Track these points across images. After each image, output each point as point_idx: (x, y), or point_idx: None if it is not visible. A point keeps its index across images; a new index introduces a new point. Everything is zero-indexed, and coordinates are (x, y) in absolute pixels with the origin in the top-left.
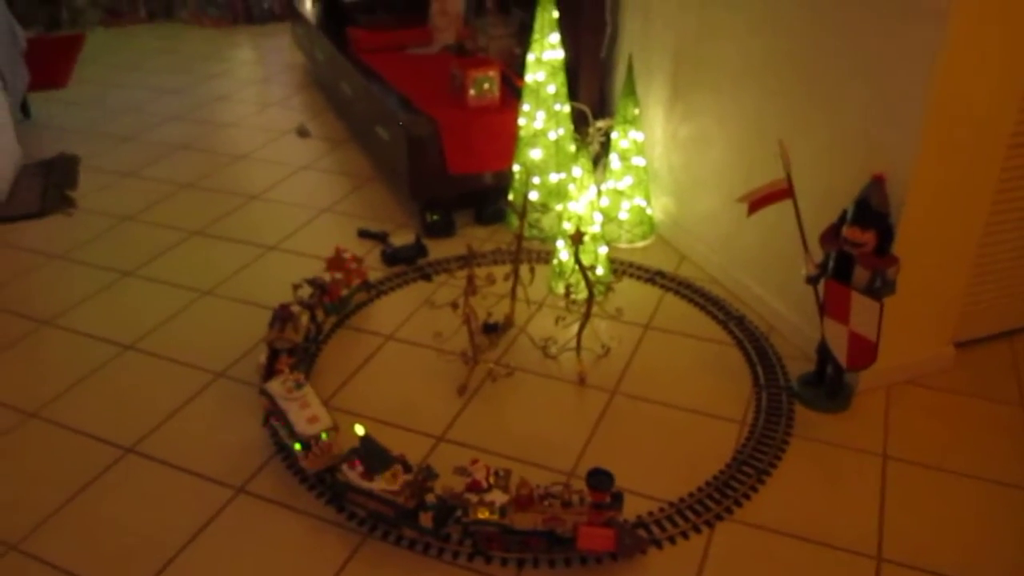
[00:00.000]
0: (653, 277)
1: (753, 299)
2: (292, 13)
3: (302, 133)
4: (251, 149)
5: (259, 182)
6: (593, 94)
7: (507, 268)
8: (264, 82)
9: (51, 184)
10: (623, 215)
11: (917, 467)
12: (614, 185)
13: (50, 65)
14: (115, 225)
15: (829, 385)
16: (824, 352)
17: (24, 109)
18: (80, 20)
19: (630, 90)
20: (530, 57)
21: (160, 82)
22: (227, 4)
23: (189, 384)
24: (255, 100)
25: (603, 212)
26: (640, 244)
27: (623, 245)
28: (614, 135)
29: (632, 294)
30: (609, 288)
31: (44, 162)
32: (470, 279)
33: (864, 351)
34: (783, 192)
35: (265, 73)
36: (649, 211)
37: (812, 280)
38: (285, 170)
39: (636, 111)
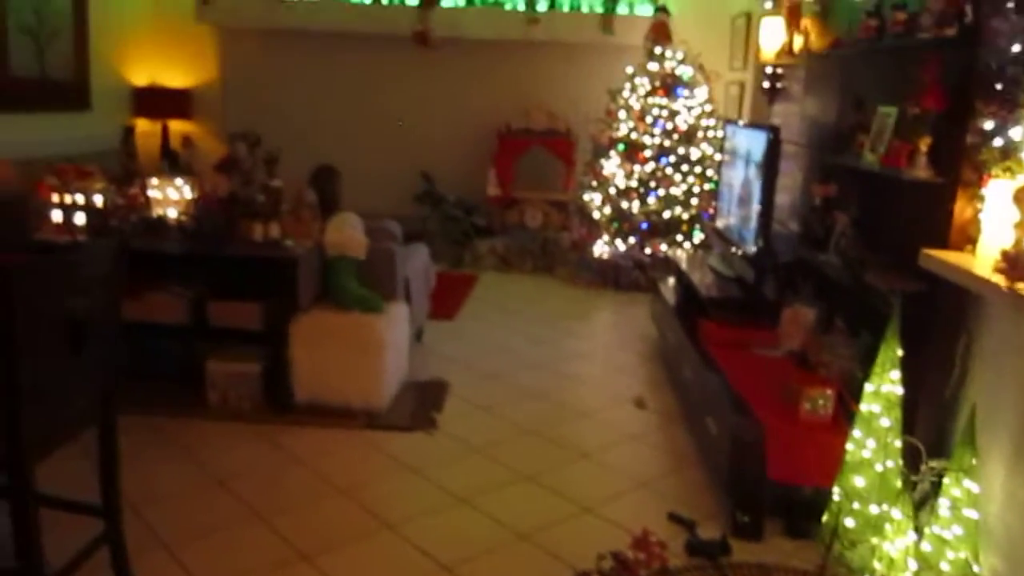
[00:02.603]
0: None
1: None
2: (654, 288)
3: (639, 404)
4: (593, 409)
5: (592, 442)
6: (929, 432)
7: None
8: (617, 347)
9: (422, 404)
10: (945, 566)
11: None
12: (939, 532)
13: (446, 299)
14: (464, 453)
15: None
16: None
17: (418, 334)
18: (478, 263)
19: (970, 438)
20: (868, 387)
21: (530, 330)
22: (600, 270)
23: None
24: (606, 363)
25: (923, 558)
26: None
27: None
28: (946, 480)
29: None
30: None
31: (421, 383)
32: None
33: None
34: None
35: (620, 339)
36: (976, 568)
37: None
38: (617, 436)
39: (974, 461)
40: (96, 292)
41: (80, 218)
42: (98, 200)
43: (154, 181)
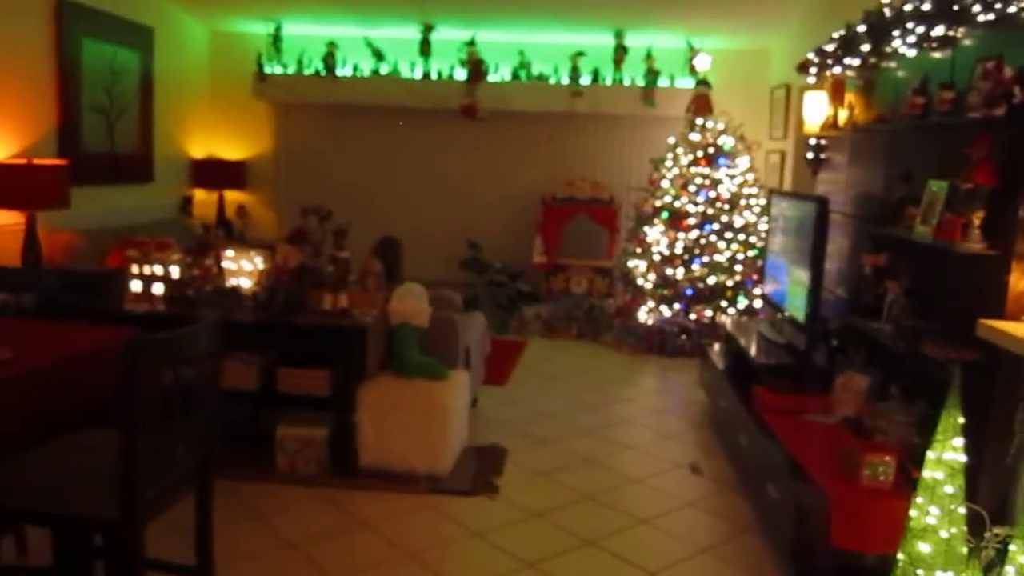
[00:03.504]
0: None
1: None
2: (702, 354)
3: (695, 470)
4: (646, 475)
5: (649, 508)
6: (994, 499)
7: None
8: (665, 413)
9: (482, 469)
10: None
11: None
12: None
13: (497, 364)
14: (525, 518)
15: None
16: None
17: (473, 400)
18: (524, 329)
19: None
20: (930, 454)
21: (579, 396)
22: (644, 335)
23: None
24: (655, 428)
25: None
26: None
27: None
28: (1012, 547)
29: None
30: None
31: (480, 448)
32: None
33: None
34: None
35: (667, 404)
36: None
37: None
38: (673, 502)
39: None
40: (203, 363)
41: (158, 288)
42: (174, 271)
43: (229, 252)
